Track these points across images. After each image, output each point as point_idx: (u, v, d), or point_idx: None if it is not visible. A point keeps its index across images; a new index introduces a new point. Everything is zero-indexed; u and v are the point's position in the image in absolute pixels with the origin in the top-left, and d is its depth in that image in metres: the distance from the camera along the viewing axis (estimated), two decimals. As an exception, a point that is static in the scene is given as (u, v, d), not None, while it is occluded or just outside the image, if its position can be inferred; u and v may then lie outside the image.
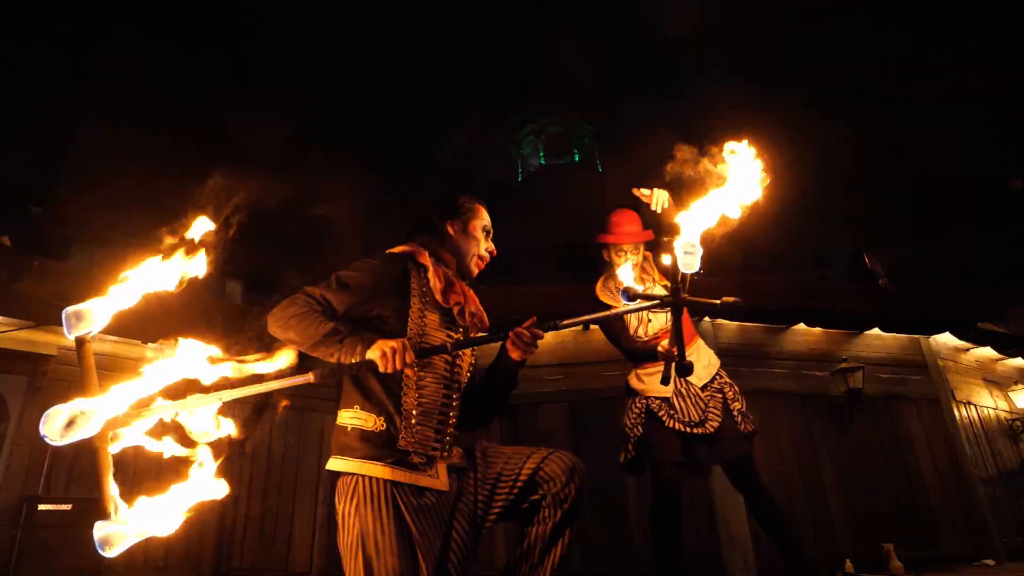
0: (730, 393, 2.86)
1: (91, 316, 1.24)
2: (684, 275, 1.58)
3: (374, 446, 1.59)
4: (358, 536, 1.50)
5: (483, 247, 1.90)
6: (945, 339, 6.65)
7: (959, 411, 6.34)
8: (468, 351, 1.81)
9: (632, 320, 2.99)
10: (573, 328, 5.97)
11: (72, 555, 3.90)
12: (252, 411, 5.29)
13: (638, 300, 1.65)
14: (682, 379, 2.82)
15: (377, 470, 1.55)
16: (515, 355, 1.72)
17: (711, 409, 2.77)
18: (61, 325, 4.67)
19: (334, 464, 1.62)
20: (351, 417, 1.65)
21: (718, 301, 1.56)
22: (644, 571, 4.81)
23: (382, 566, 1.45)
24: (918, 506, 5.73)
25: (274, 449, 5.53)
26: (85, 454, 4.58)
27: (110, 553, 1.13)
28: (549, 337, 6.25)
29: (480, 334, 1.82)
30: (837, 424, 5.89)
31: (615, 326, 2.99)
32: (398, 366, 1.46)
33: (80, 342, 1.24)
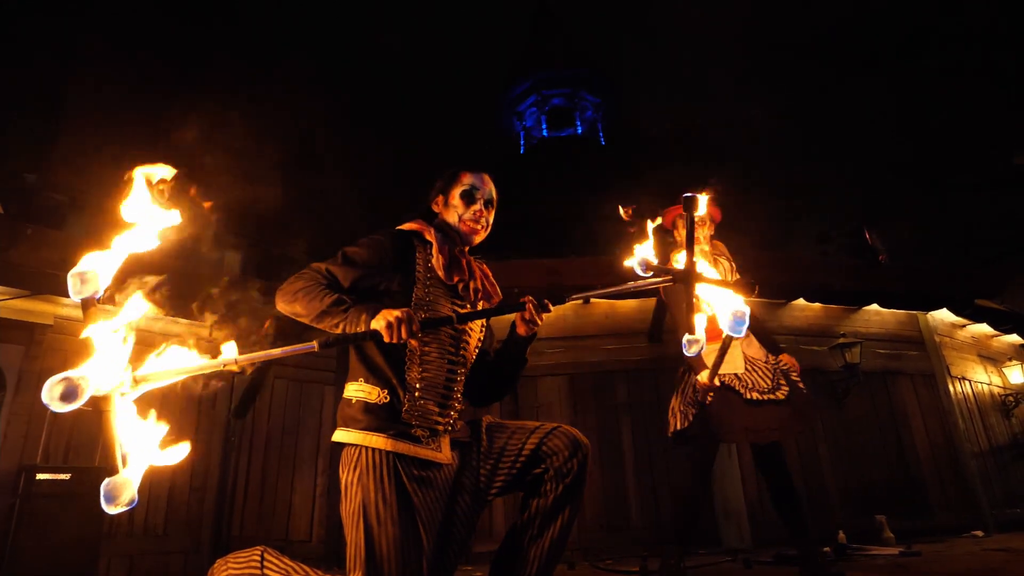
0: (789, 365, 2.96)
1: (96, 277, 1.19)
2: (696, 249, 1.59)
3: (377, 418, 1.60)
4: (360, 506, 1.51)
5: (465, 212, 1.84)
6: (942, 315, 6.67)
7: (954, 386, 6.39)
8: (477, 328, 1.80)
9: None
10: (574, 302, 5.96)
11: (71, 524, 3.92)
12: (246, 391, 5.31)
13: (651, 273, 1.63)
14: (747, 353, 2.95)
15: (379, 441, 1.56)
16: (520, 329, 1.73)
17: (778, 379, 2.87)
18: (57, 294, 4.62)
19: (339, 436, 1.63)
20: (356, 390, 1.66)
21: (731, 281, 1.55)
22: (639, 541, 4.88)
23: (383, 535, 1.47)
24: (911, 479, 5.81)
25: (274, 420, 5.56)
26: (83, 424, 4.59)
27: (115, 510, 1.14)
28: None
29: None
30: (834, 398, 5.93)
31: (679, 300, 2.94)
32: (404, 335, 1.44)
33: (86, 304, 1.19)
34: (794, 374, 2.92)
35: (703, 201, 1.65)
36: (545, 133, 22.33)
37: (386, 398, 1.62)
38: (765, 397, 2.81)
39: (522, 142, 23.18)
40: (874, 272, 6.62)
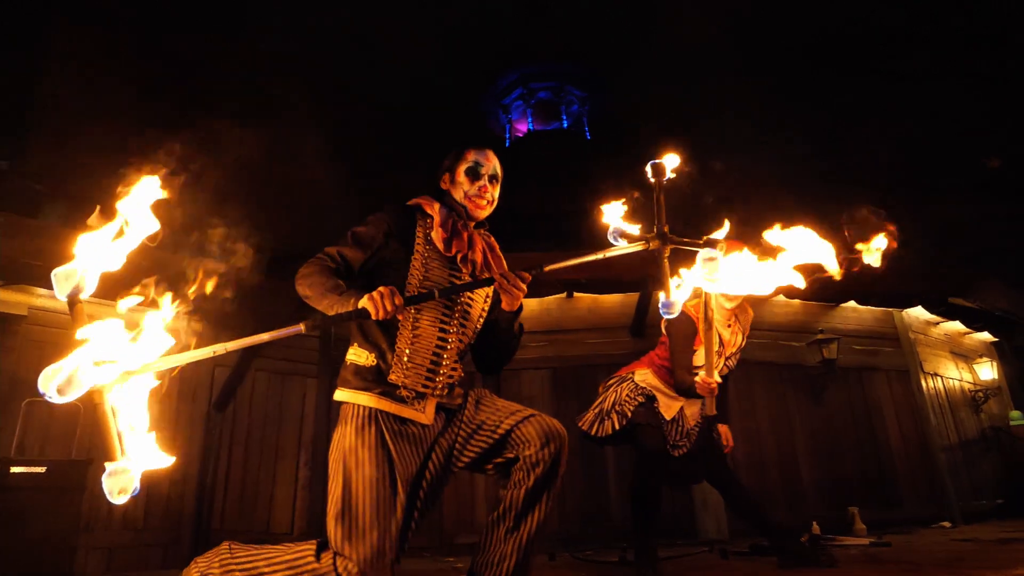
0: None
1: (79, 276, 1.22)
2: (663, 212, 1.64)
3: (364, 379, 1.72)
4: (342, 453, 1.65)
5: (470, 188, 1.91)
6: (917, 313, 6.81)
7: (926, 382, 6.53)
8: (480, 299, 1.87)
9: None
10: (557, 295, 6.00)
11: (47, 517, 3.87)
12: (227, 383, 5.27)
13: (623, 241, 1.66)
14: (686, 411, 3.09)
15: (364, 399, 1.69)
16: (504, 303, 1.78)
17: (687, 437, 3.08)
18: (32, 284, 4.51)
19: (336, 395, 1.76)
20: (351, 353, 1.78)
21: (701, 240, 1.59)
22: (619, 532, 4.93)
23: (360, 476, 1.59)
24: (883, 471, 5.95)
25: (255, 412, 5.52)
26: (59, 417, 4.52)
27: (120, 499, 1.18)
28: (533, 304, 6.25)
29: (480, 278, 1.86)
30: (811, 393, 6.04)
31: (684, 337, 2.98)
32: (388, 308, 1.51)
33: (72, 303, 1.23)
34: (718, 445, 3.11)
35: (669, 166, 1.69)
36: (531, 126, 22.31)
37: (374, 361, 1.73)
38: (668, 446, 3.03)
39: (507, 135, 23.14)
40: (852, 270, 6.73)
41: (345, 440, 1.65)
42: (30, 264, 4.35)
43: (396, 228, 1.81)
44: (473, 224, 1.93)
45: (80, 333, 1.20)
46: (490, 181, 1.93)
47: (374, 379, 1.71)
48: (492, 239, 1.98)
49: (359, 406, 1.69)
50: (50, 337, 4.61)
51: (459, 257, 1.82)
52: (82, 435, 4.47)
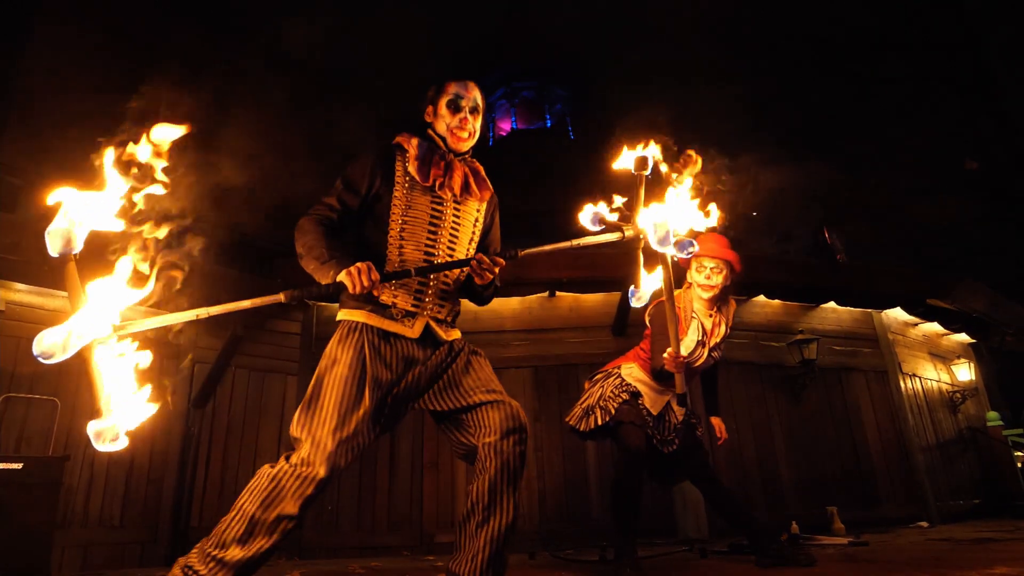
0: (693, 420, 3.21)
1: (71, 232, 1.28)
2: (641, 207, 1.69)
3: (356, 300, 1.83)
4: (324, 356, 1.78)
5: (451, 120, 1.95)
6: (896, 314, 6.90)
7: (904, 383, 6.63)
8: (468, 225, 1.96)
9: (692, 335, 3.03)
10: (539, 295, 6.01)
11: (24, 514, 3.81)
12: (206, 380, 5.23)
13: (602, 228, 1.71)
14: (665, 408, 3.11)
15: (356, 315, 1.81)
16: (476, 280, 1.84)
17: (675, 432, 3.09)
18: (10, 279, 4.44)
19: (337, 316, 1.87)
20: None
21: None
22: (599, 531, 4.96)
23: (332, 373, 1.72)
24: (862, 471, 6.02)
25: (235, 409, 5.47)
26: (36, 413, 4.45)
27: (103, 447, 1.26)
28: (515, 303, 6.24)
29: (469, 219, 1.98)
30: (790, 393, 6.10)
31: (665, 320, 2.89)
32: (365, 283, 1.60)
33: (64, 260, 1.29)
34: (699, 426, 3.17)
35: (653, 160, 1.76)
36: (515, 125, 22.30)
37: None
38: (655, 442, 3.04)
39: (491, 134, 23.12)
40: (832, 271, 6.82)
41: (329, 346, 1.79)
42: (7, 259, 4.28)
43: (380, 164, 1.88)
44: (454, 155, 1.97)
45: (71, 292, 1.26)
46: (471, 113, 1.97)
47: (366, 300, 1.81)
48: (477, 164, 2.04)
49: (349, 320, 1.80)
50: (27, 332, 4.53)
51: (436, 185, 1.89)
52: (59, 431, 4.41)
